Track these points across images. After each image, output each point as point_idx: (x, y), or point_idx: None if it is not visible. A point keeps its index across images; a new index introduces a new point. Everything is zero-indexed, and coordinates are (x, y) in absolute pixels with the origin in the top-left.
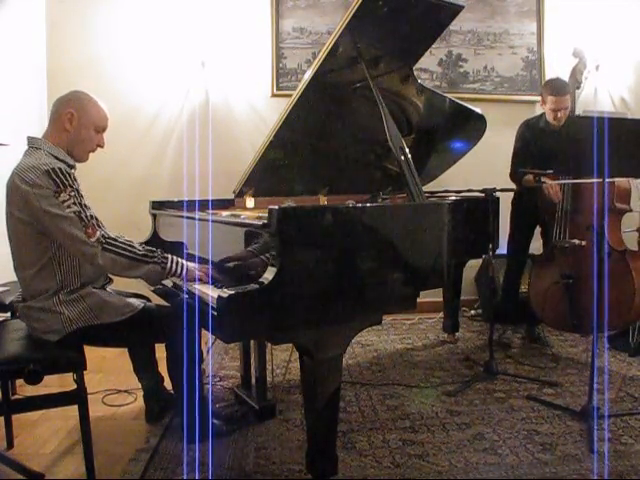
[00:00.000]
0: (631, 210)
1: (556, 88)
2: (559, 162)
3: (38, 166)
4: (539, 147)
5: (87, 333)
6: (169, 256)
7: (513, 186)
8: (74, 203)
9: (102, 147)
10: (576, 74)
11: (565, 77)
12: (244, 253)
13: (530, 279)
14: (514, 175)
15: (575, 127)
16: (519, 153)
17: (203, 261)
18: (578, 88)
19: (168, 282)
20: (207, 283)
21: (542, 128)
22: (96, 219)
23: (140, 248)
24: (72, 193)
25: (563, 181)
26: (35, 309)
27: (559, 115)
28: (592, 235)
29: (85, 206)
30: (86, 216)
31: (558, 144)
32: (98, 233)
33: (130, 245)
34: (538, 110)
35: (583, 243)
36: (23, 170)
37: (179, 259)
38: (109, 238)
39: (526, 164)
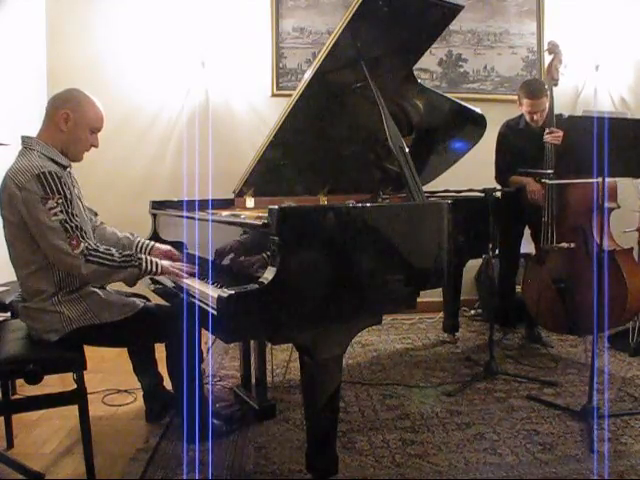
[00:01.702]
0: (619, 207)
1: (531, 91)
2: (557, 163)
3: (29, 169)
4: (521, 148)
5: (87, 333)
6: (143, 257)
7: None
8: (61, 211)
9: (96, 147)
10: (552, 71)
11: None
12: (233, 243)
13: (523, 281)
14: (500, 177)
15: (570, 127)
16: (503, 154)
17: (202, 261)
18: (555, 85)
19: (168, 282)
20: (182, 277)
21: (522, 129)
22: (81, 229)
23: (118, 255)
24: (60, 200)
25: (553, 181)
26: (34, 310)
27: (535, 118)
28: (580, 236)
29: (72, 215)
30: (71, 227)
31: (539, 145)
32: (82, 245)
33: (110, 253)
34: None
35: (572, 245)
36: (15, 172)
37: (153, 258)
38: (91, 249)
39: (511, 165)
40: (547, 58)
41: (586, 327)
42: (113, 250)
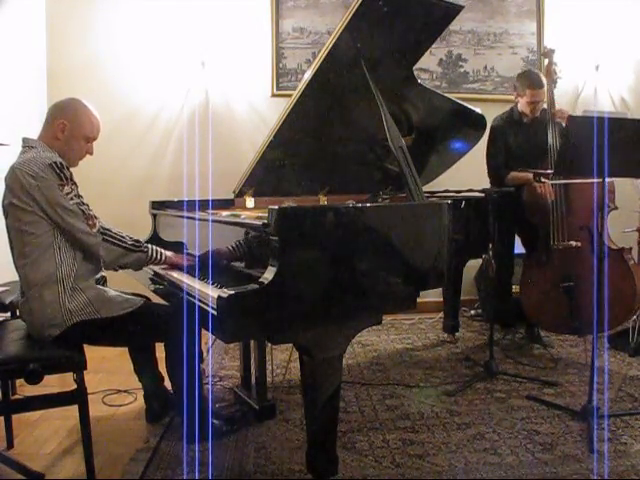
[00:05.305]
0: (616, 208)
1: (534, 81)
2: (557, 163)
3: (40, 160)
4: (516, 142)
5: (87, 329)
6: (149, 245)
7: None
8: (75, 195)
9: (91, 155)
10: (551, 74)
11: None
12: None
13: (521, 283)
14: (496, 173)
15: (574, 127)
16: (499, 149)
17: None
18: (554, 85)
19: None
20: (182, 269)
21: (517, 121)
22: (92, 210)
23: (128, 238)
24: (73, 186)
25: (557, 181)
26: (34, 300)
27: (537, 107)
28: (586, 235)
29: (82, 197)
30: (86, 209)
31: (534, 139)
32: (98, 225)
33: (121, 236)
34: None
35: (579, 244)
36: (24, 164)
37: (158, 248)
38: (105, 229)
39: (507, 160)
40: (545, 61)
41: (591, 327)
42: (123, 233)
